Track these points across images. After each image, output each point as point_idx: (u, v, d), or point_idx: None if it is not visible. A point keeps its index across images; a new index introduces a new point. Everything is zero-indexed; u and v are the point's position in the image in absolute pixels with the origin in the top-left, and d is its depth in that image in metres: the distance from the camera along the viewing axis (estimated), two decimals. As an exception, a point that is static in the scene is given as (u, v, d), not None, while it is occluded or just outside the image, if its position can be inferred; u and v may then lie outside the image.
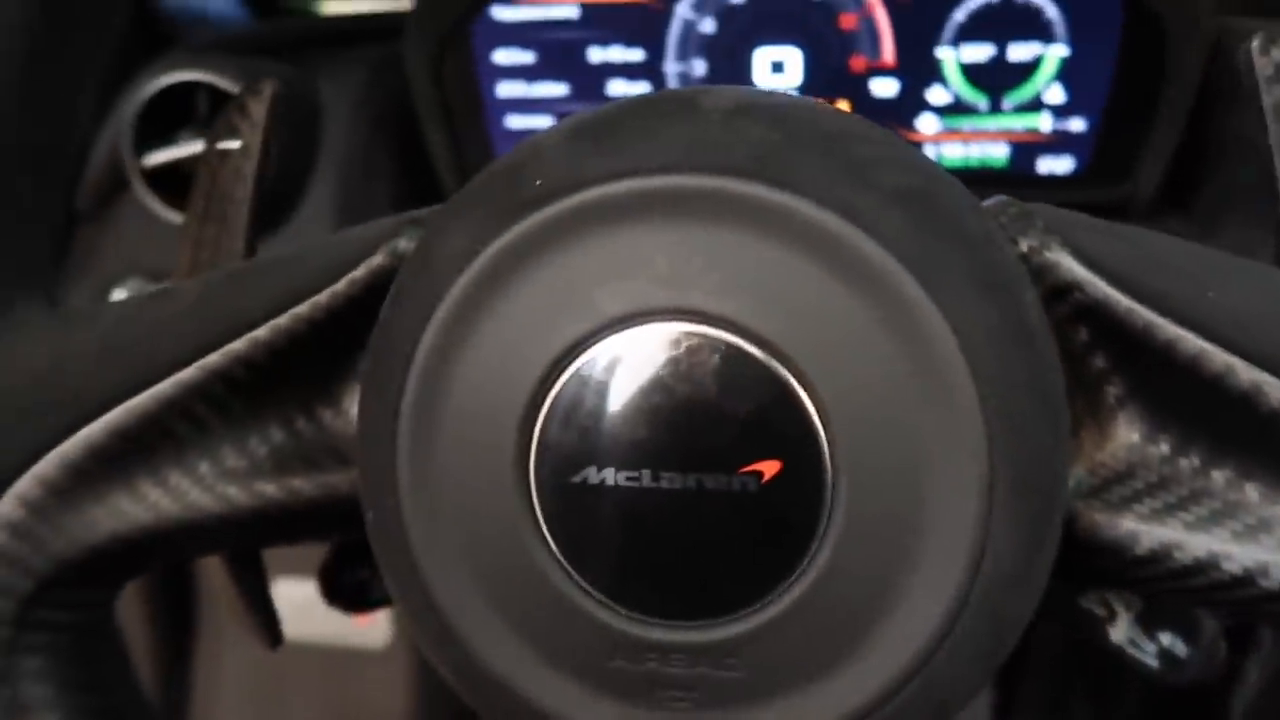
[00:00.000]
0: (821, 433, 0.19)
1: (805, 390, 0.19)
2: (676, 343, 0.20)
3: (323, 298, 0.25)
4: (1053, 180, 0.43)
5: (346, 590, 0.36)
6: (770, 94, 0.22)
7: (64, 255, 0.51)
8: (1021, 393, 0.20)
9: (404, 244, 0.25)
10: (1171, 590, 0.22)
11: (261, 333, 0.24)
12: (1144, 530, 0.21)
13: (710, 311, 0.20)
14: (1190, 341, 0.21)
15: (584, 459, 0.20)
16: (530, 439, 0.21)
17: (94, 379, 0.24)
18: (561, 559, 0.21)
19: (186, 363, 0.24)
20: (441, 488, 0.21)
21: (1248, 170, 0.41)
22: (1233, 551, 0.21)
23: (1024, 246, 0.22)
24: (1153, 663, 0.30)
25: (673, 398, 0.20)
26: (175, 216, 0.48)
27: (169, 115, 0.48)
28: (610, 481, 0.20)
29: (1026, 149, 0.43)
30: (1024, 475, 0.20)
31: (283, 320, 0.24)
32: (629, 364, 0.20)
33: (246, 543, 0.28)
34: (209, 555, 0.28)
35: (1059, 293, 0.22)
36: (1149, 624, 0.31)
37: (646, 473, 0.20)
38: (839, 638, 0.20)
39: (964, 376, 0.19)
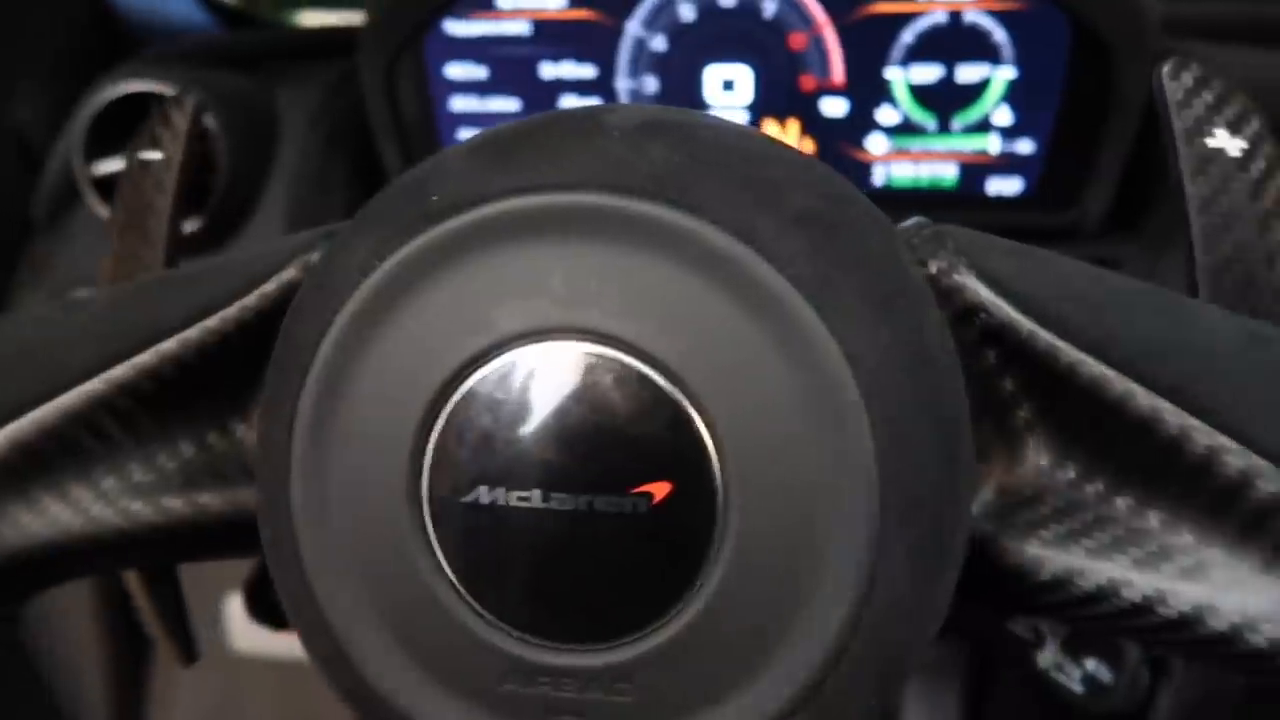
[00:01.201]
0: (713, 455, 0.19)
1: (698, 413, 0.19)
2: (571, 362, 0.20)
3: (231, 311, 0.24)
4: (1002, 201, 0.43)
5: (271, 608, 0.36)
6: (678, 112, 0.22)
7: (14, 265, 0.51)
8: (916, 418, 0.19)
9: (315, 258, 0.24)
10: (1075, 618, 0.21)
11: (169, 345, 0.24)
12: (1047, 556, 0.21)
13: (605, 331, 0.19)
14: (1091, 366, 0.21)
15: (476, 478, 0.20)
16: (423, 456, 0.20)
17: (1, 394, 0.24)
18: (453, 579, 0.21)
19: (92, 374, 0.24)
20: (334, 505, 0.21)
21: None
22: (1132, 579, 0.20)
23: (933, 268, 0.22)
24: (1077, 688, 0.30)
25: (566, 418, 0.20)
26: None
27: (127, 124, 0.48)
28: (502, 501, 0.20)
29: (976, 170, 0.43)
30: (916, 501, 0.19)
31: (191, 333, 0.24)
32: (523, 382, 0.20)
33: (154, 559, 0.27)
34: (114, 571, 0.27)
35: (966, 315, 0.22)
36: (1074, 649, 0.31)
37: (537, 493, 0.20)
38: (730, 663, 0.20)
39: (855, 402, 0.19)
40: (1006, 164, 0.43)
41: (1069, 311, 0.21)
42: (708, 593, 0.19)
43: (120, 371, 0.24)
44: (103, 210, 0.48)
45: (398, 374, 0.21)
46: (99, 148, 0.48)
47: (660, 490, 0.19)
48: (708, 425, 0.19)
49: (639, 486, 0.19)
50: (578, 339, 0.20)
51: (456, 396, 0.20)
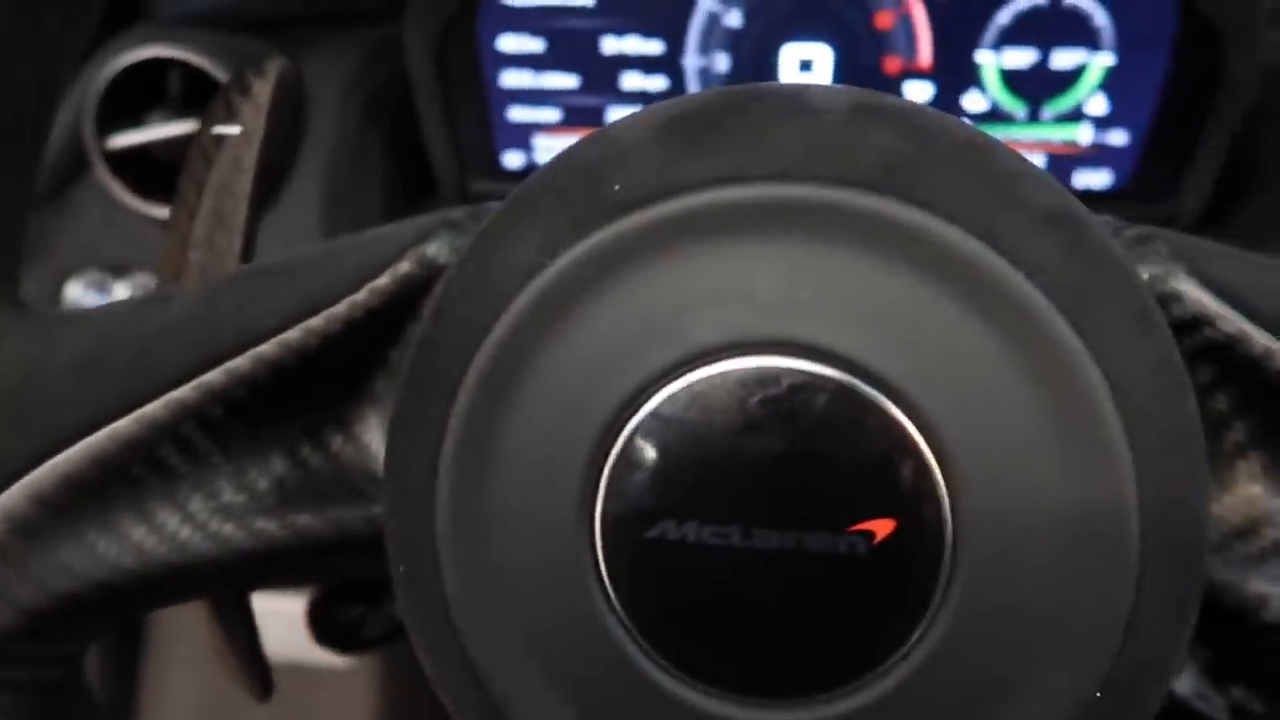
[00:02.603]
0: (944, 491, 0.17)
1: (928, 441, 0.17)
2: (778, 380, 0.17)
3: (340, 309, 0.21)
4: (1089, 195, 0.41)
5: (338, 630, 0.33)
6: (886, 96, 0.19)
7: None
8: (1175, 452, 0.17)
9: (435, 249, 0.21)
10: None
11: (268, 348, 0.21)
12: (1274, 593, 0.19)
13: (820, 345, 0.17)
14: None
15: (661, 511, 0.17)
16: (597, 486, 0.18)
17: (72, 397, 0.21)
18: (631, 626, 0.18)
19: (181, 381, 0.21)
20: (490, 542, 0.18)
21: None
22: None
23: (1145, 275, 0.20)
24: (1223, 717, 0.29)
25: (771, 444, 0.17)
26: (140, 205, 0.44)
27: (134, 94, 0.44)
28: (692, 538, 0.17)
29: (1064, 161, 0.41)
30: (1178, 544, 0.17)
31: (293, 334, 0.21)
32: (720, 402, 0.17)
33: (242, 587, 0.24)
34: (196, 599, 0.24)
35: (1184, 327, 0.20)
36: (1219, 678, 0.29)
37: (736, 529, 0.17)
38: None
39: (1117, 432, 0.17)
40: (1097, 155, 0.41)
41: None
42: (928, 646, 0.17)
43: (214, 377, 0.21)
44: (116, 188, 0.44)
45: (569, 392, 0.18)
46: (105, 120, 0.44)
47: (883, 529, 0.17)
48: (939, 456, 0.17)
49: (858, 524, 0.17)
50: (787, 354, 0.17)
51: (640, 417, 0.17)
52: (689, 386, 0.17)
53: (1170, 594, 0.17)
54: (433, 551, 0.19)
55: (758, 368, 0.17)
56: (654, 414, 0.17)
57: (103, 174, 0.44)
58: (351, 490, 0.22)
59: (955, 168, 0.17)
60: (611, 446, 0.18)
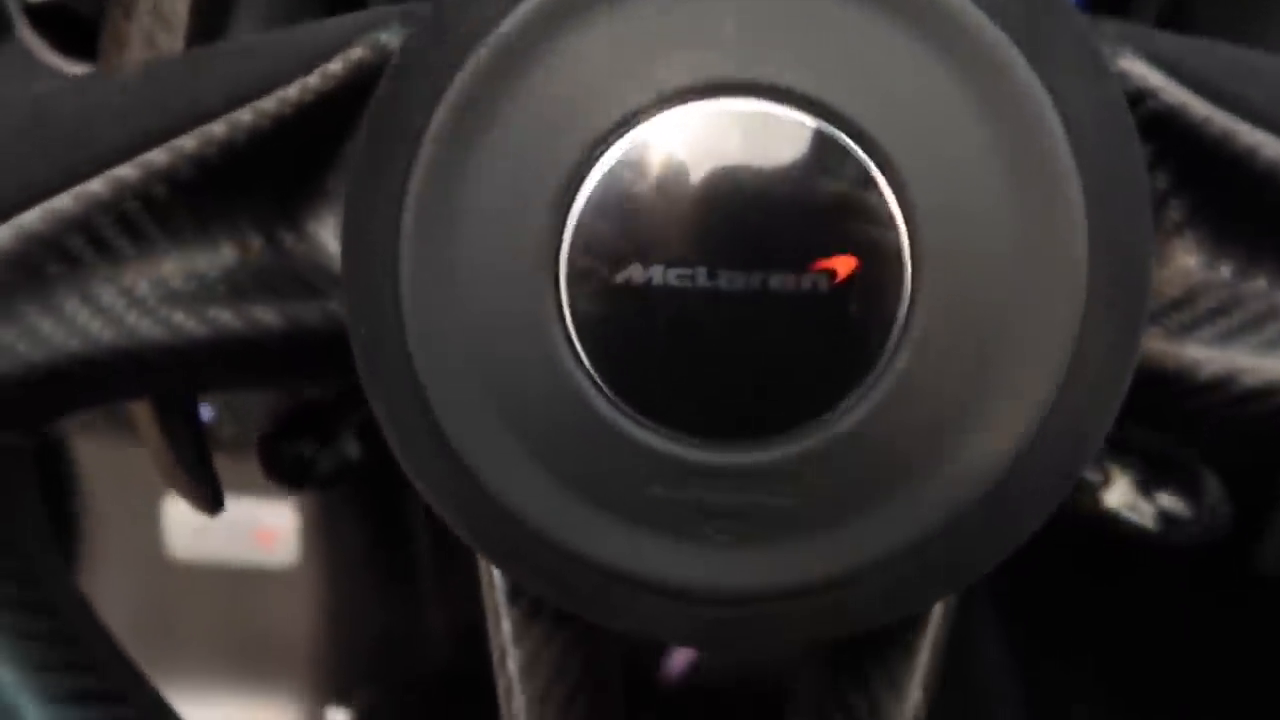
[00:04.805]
0: (903, 226, 0.17)
1: (888, 178, 0.17)
2: (744, 121, 0.17)
3: (291, 91, 0.21)
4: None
5: (288, 464, 0.32)
6: None
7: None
8: (1121, 187, 0.18)
9: (388, 37, 0.21)
10: (1231, 419, 0.21)
11: (216, 127, 0.21)
12: (1207, 356, 0.20)
13: (785, 85, 0.17)
14: (1272, 148, 0.19)
15: (628, 254, 0.18)
16: (563, 231, 0.18)
17: (4, 170, 0.20)
18: (594, 371, 0.18)
19: (123, 157, 0.20)
20: (453, 291, 0.18)
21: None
22: None
23: None
24: (1151, 525, 0.30)
25: (737, 185, 0.17)
26: (64, 63, 0.42)
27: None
28: (657, 281, 0.18)
29: None
30: (1121, 280, 0.18)
31: (242, 114, 0.21)
32: (686, 144, 0.17)
33: (196, 383, 0.24)
34: (150, 395, 0.24)
35: (1130, 102, 0.20)
36: (1148, 487, 0.30)
37: (702, 270, 0.17)
38: (907, 459, 0.18)
39: (1069, 165, 0.17)
40: None
41: (1248, 92, 0.20)
42: (890, 378, 0.18)
43: (158, 155, 0.20)
44: (40, 47, 0.42)
45: (535, 135, 0.18)
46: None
47: (844, 267, 0.17)
48: (899, 194, 0.17)
49: (821, 262, 0.17)
50: (753, 95, 0.17)
51: (607, 161, 0.18)
52: (657, 129, 0.17)
53: (1114, 327, 0.18)
54: (396, 309, 0.19)
55: (725, 110, 0.17)
56: (620, 158, 0.18)
57: (25, 32, 0.42)
58: (305, 285, 0.22)
59: None
60: (577, 192, 0.18)
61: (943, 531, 0.18)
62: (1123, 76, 0.20)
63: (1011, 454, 0.18)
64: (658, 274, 0.17)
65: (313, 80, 0.21)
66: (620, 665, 0.25)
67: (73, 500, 0.70)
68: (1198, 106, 0.20)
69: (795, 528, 0.18)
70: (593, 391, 0.18)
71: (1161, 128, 0.20)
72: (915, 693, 0.21)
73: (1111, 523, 0.30)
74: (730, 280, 0.17)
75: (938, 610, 0.22)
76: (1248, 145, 0.19)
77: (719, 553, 0.18)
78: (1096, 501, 0.30)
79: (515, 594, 0.22)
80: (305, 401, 0.32)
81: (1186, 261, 0.21)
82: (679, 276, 0.17)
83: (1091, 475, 0.30)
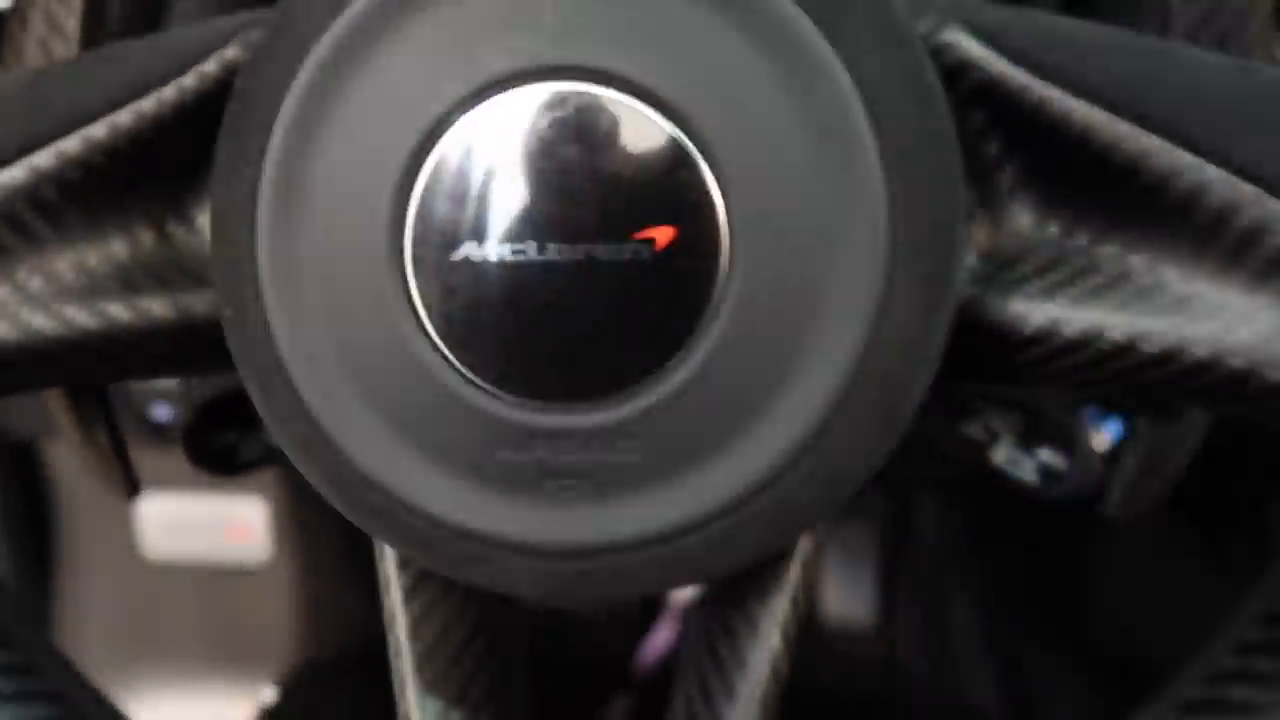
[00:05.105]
0: (718, 195, 0.19)
1: (700, 151, 0.19)
2: (565, 102, 0.19)
3: (168, 92, 0.22)
4: None
5: (213, 453, 0.34)
6: None
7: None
8: (923, 154, 0.19)
9: (258, 37, 0.22)
10: (1060, 372, 0.22)
11: (98, 130, 0.22)
12: (1031, 309, 0.21)
13: (601, 68, 0.18)
14: (1083, 112, 0.21)
15: (464, 233, 0.19)
16: (405, 214, 0.19)
17: None
18: (440, 345, 0.20)
19: (9, 160, 0.22)
20: (307, 273, 0.20)
21: None
22: (1116, 322, 0.21)
23: (921, 27, 0.22)
24: (1031, 479, 0.31)
25: (560, 163, 0.19)
26: None
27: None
28: (493, 257, 0.19)
29: None
30: (923, 237, 0.19)
31: (122, 116, 0.22)
32: (513, 127, 0.19)
33: (97, 374, 0.25)
34: (53, 386, 0.25)
35: (956, 73, 0.22)
36: (1028, 442, 0.32)
37: (532, 245, 0.19)
38: (735, 411, 0.19)
39: (867, 135, 0.19)
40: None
41: (1062, 60, 0.21)
42: (713, 338, 0.19)
43: (44, 158, 0.22)
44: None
45: (374, 124, 0.19)
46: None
47: (664, 236, 0.19)
48: (712, 165, 0.19)
49: (641, 232, 0.19)
50: (572, 78, 0.19)
51: (441, 146, 0.19)
52: (485, 114, 0.19)
53: (916, 280, 0.19)
54: (256, 291, 0.20)
55: (547, 92, 0.19)
56: (454, 142, 0.19)
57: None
58: (193, 277, 0.23)
59: None
60: (416, 175, 0.19)
61: (771, 479, 0.19)
62: (948, 48, 0.21)
63: (829, 403, 0.19)
64: (493, 250, 0.19)
65: (189, 81, 0.22)
66: (522, 629, 0.26)
67: (48, 504, 0.72)
68: (1017, 76, 0.21)
69: (634, 482, 0.20)
70: (440, 364, 0.19)
71: (987, 97, 0.22)
72: (774, 638, 0.23)
73: (1000, 479, 0.31)
74: (559, 252, 0.19)
75: (796, 563, 0.23)
76: (1062, 111, 0.21)
77: (566, 510, 0.20)
78: (985, 460, 0.32)
79: (404, 561, 0.23)
80: (225, 391, 0.34)
81: (1021, 222, 0.22)
82: (513, 251, 0.19)
83: (978, 434, 0.32)
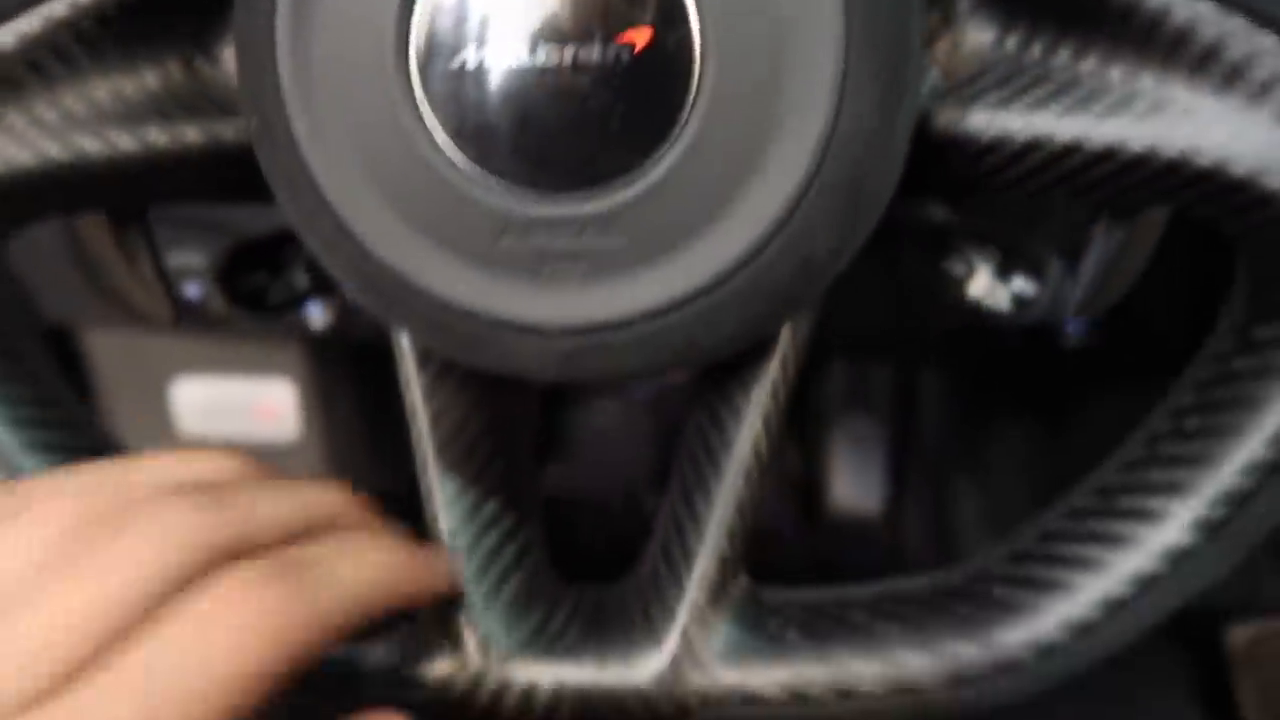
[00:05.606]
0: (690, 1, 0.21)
1: None
2: None
3: None
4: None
5: (246, 293, 0.37)
6: None
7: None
8: None
9: None
10: (1016, 181, 0.24)
11: None
12: (989, 118, 0.23)
13: None
14: None
15: (463, 42, 0.21)
16: (409, 26, 0.21)
17: None
18: (444, 144, 0.22)
19: None
20: (324, 84, 0.22)
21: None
22: (1064, 125, 0.23)
23: None
24: (1005, 307, 0.34)
25: None
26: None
27: None
28: (489, 62, 0.21)
29: None
30: (879, 33, 0.21)
31: None
32: None
33: (135, 197, 0.28)
34: (99, 206, 0.28)
35: None
36: (1004, 272, 0.34)
37: (524, 50, 0.21)
38: (711, 199, 0.22)
39: None
40: None
41: None
42: (690, 133, 0.21)
43: None
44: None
45: None
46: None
47: (641, 38, 0.21)
48: None
49: (621, 35, 0.21)
50: None
51: None
52: None
53: (871, 72, 0.21)
54: (279, 102, 0.22)
55: None
56: None
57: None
58: (220, 106, 0.26)
59: None
60: None
61: (747, 259, 0.22)
62: None
63: (797, 187, 0.21)
64: (489, 55, 0.21)
65: None
66: (532, 428, 0.29)
67: (85, 389, 0.75)
68: None
69: (624, 264, 0.22)
70: (446, 162, 0.22)
71: None
72: (757, 424, 0.25)
73: (975, 314, 0.34)
74: (548, 55, 0.21)
75: (775, 359, 0.25)
76: None
77: (562, 291, 0.22)
78: (963, 293, 0.34)
79: (424, 360, 0.26)
80: (255, 239, 0.36)
81: (981, 39, 0.24)
82: (507, 55, 0.21)
83: (957, 268, 0.34)
